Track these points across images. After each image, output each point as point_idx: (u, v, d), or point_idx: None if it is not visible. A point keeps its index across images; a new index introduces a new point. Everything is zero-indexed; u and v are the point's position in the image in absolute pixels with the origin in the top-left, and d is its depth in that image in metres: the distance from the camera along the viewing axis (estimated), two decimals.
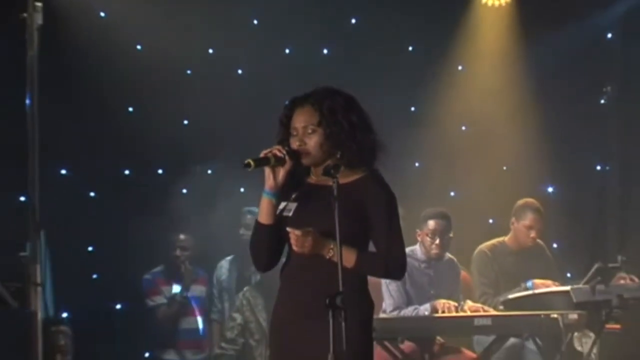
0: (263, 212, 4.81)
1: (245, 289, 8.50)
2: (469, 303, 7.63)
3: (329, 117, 4.74)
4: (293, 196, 4.83)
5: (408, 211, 7.70)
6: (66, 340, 7.85)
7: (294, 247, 4.68)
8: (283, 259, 4.95)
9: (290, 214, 4.79)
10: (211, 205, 8.60)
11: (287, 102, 4.87)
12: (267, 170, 4.76)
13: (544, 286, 7.95)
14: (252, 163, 4.69)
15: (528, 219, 8.41)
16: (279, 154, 4.74)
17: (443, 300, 7.54)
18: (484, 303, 7.86)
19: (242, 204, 8.50)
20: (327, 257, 4.64)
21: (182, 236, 8.54)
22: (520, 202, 8.52)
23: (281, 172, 4.75)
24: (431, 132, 9.64)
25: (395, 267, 4.86)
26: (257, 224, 4.83)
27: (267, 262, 4.92)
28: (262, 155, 4.73)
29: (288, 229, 4.69)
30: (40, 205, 6.58)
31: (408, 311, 7.62)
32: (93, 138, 8.32)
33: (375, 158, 4.83)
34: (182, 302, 8.49)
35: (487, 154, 9.74)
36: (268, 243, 4.84)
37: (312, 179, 4.88)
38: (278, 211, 4.81)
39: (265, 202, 4.80)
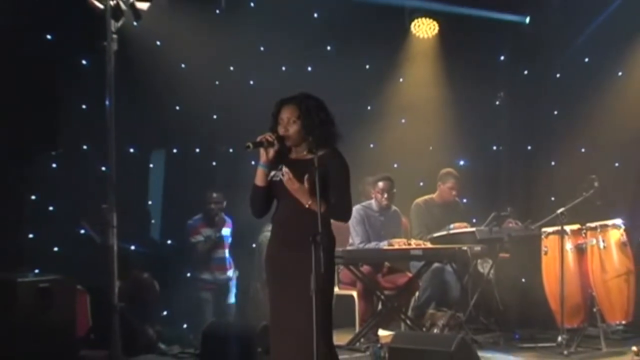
0: (258, 178, 4.84)
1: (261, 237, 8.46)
2: (414, 240, 7.65)
3: (305, 113, 4.79)
4: (279, 167, 4.84)
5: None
6: (135, 264, 7.85)
7: (286, 184, 4.72)
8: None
9: (278, 179, 4.82)
10: (232, 173, 8.53)
11: (276, 102, 4.90)
12: (262, 150, 4.80)
13: (461, 227, 8.00)
14: (251, 145, 4.74)
15: (450, 182, 8.45)
16: (270, 138, 4.78)
17: (399, 239, 7.57)
18: (421, 239, 7.89)
19: (252, 173, 8.46)
20: (307, 206, 4.68)
21: (214, 194, 8.44)
22: (444, 170, 8.57)
23: (271, 151, 4.79)
24: (381, 123, 9.65)
25: (347, 214, 4.94)
26: (254, 186, 4.86)
27: (260, 211, 4.93)
28: (258, 139, 4.77)
29: (285, 169, 4.74)
30: (116, 173, 6.51)
31: (371, 245, 7.62)
32: (151, 127, 8.26)
33: (335, 142, 4.86)
34: (215, 240, 8.42)
35: (419, 138, 9.72)
36: (261, 199, 4.88)
37: (293, 155, 4.90)
38: (269, 177, 4.84)
39: (260, 171, 4.84)
